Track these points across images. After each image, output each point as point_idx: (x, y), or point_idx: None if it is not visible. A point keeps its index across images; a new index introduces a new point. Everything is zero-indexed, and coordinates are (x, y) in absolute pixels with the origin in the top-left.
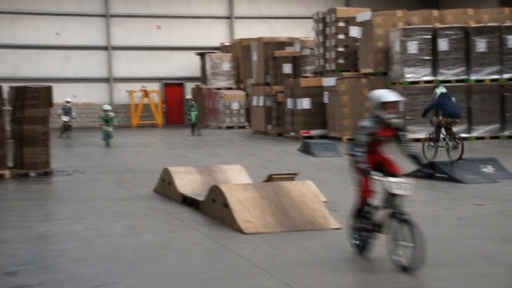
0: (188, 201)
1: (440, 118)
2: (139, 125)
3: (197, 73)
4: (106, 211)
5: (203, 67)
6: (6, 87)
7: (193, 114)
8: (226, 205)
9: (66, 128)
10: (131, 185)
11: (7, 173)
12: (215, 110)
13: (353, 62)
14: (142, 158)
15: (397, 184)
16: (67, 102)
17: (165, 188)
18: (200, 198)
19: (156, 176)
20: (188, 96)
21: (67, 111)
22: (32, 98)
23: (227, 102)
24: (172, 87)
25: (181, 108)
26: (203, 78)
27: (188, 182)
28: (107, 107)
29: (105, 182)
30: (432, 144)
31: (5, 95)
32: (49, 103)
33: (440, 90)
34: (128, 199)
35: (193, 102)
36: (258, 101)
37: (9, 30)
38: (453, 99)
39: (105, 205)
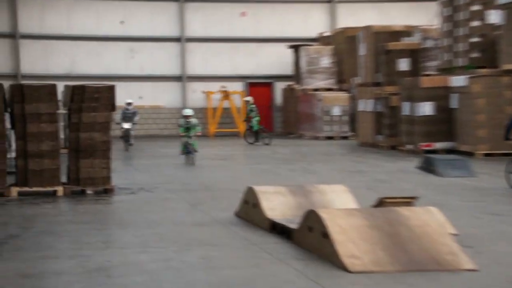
0: (278, 229)
1: None
2: (217, 133)
3: (289, 70)
4: (177, 238)
5: (296, 63)
6: (60, 86)
7: (255, 120)
8: (325, 235)
9: (126, 137)
10: (208, 207)
11: (60, 190)
12: (311, 117)
13: (492, 56)
14: (222, 174)
15: None
16: (128, 104)
17: (250, 211)
18: (293, 225)
19: (238, 196)
20: (248, 97)
21: (128, 116)
22: (91, 99)
23: (326, 107)
24: (258, 87)
25: (269, 113)
26: (296, 77)
27: (278, 205)
28: (188, 111)
29: (176, 203)
30: None
31: (59, 96)
32: (112, 106)
33: None
34: (204, 224)
35: (253, 105)
36: (365, 105)
37: (65, 19)
38: None
39: (176, 231)
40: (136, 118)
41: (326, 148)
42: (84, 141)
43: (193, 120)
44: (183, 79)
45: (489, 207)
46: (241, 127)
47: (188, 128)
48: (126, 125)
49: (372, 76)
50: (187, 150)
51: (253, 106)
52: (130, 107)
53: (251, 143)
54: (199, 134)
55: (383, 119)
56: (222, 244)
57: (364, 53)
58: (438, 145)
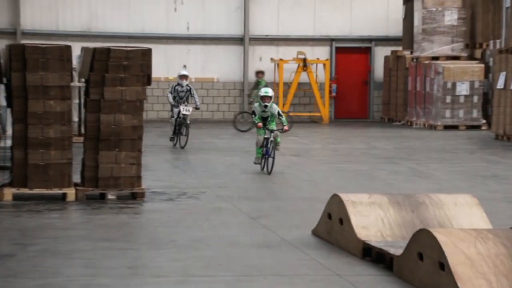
0: (374, 255)
1: None
2: (290, 118)
3: (396, 30)
4: (231, 265)
5: (407, 21)
6: (76, 48)
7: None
8: (443, 265)
9: (180, 126)
10: (274, 222)
11: (71, 193)
12: (426, 97)
13: None
14: (294, 176)
15: None
16: (182, 76)
17: (334, 229)
18: (395, 250)
19: (318, 208)
20: (260, 68)
21: (183, 95)
22: (117, 68)
23: (449, 82)
24: (349, 53)
25: (365, 91)
26: (406, 40)
27: (374, 221)
28: (269, 91)
29: (231, 215)
30: None
31: (74, 62)
32: (147, 78)
33: None
34: (268, 245)
35: (263, 79)
36: (507, 81)
37: None
38: None
39: (229, 255)
40: (197, 99)
41: (446, 141)
42: (106, 126)
43: (274, 106)
44: (245, 42)
45: None
46: (324, 110)
47: (265, 118)
48: (185, 110)
49: None
50: (266, 152)
51: (263, 79)
52: (184, 82)
53: (244, 131)
54: (286, 129)
55: None
56: (293, 274)
57: (510, 4)
58: None
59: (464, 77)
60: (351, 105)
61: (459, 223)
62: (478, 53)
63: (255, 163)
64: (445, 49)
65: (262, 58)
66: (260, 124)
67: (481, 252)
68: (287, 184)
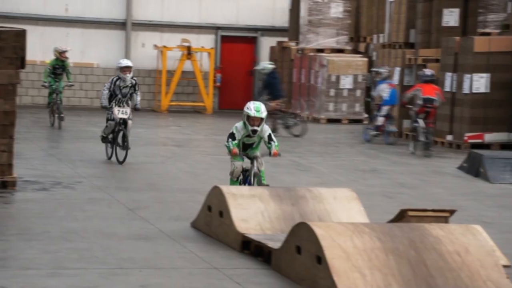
0: (253, 248)
1: None
2: (172, 107)
3: (282, 21)
4: (106, 257)
5: (294, 11)
6: None
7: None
8: (320, 259)
9: (117, 134)
10: (152, 213)
11: None
12: (310, 89)
13: None
14: (175, 167)
15: None
16: (125, 68)
17: (213, 222)
18: (274, 243)
19: (198, 200)
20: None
21: (126, 91)
22: None
23: (333, 75)
24: (235, 43)
25: (250, 80)
26: (292, 31)
27: (254, 214)
28: (259, 108)
29: (107, 206)
30: None
31: None
32: (20, 61)
33: None
34: (146, 238)
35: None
36: (390, 76)
37: None
38: None
39: (104, 247)
40: (139, 98)
41: (328, 135)
42: None
43: (266, 128)
44: (127, 27)
45: None
46: (208, 100)
47: (249, 144)
48: (121, 113)
49: (402, 34)
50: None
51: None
52: (128, 76)
53: None
54: (276, 153)
55: None
56: (170, 267)
57: None
58: (491, 137)
59: (348, 71)
60: (235, 95)
61: (338, 217)
62: (362, 46)
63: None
64: (330, 42)
65: (145, 44)
66: (236, 150)
67: (357, 246)
68: (167, 175)
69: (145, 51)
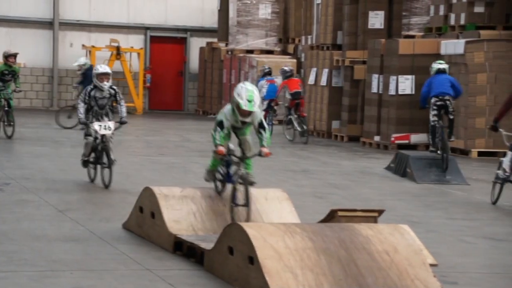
0: (185, 249)
1: None
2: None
3: (211, 21)
4: (36, 259)
5: (223, 12)
6: None
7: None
8: (252, 259)
9: (101, 152)
10: (83, 214)
11: None
12: None
13: (503, 12)
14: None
15: None
16: (102, 75)
17: (145, 223)
18: (206, 244)
19: (129, 201)
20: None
21: (104, 103)
22: None
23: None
24: (165, 43)
25: (180, 81)
26: (222, 32)
27: (186, 215)
28: (252, 96)
29: (37, 208)
30: None
31: None
32: None
33: None
34: (76, 239)
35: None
36: (318, 77)
37: None
38: None
39: (34, 249)
40: (124, 109)
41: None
42: None
43: (258, 113)
44: (55, 27)
45: (484, 228)
46: (138, 101)
47: (235, 132)
48: (103, 128)
49: (330, 35)
50: (229, 179)
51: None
52: (106, 85)
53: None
54: (267, 153)
55: (343, 98)
56: (102, 269)
57: (321, 0)
58: (417, 138)
59: (277, 72)
60: (165, 96)
61: (269, 218)
62: (291, 48)
63: (206, 179)
64: (259, 43)
65: (73, 44)
66: (222, 151)
67: (289, 246)
68: (97, 176)
69: (73, 51)
